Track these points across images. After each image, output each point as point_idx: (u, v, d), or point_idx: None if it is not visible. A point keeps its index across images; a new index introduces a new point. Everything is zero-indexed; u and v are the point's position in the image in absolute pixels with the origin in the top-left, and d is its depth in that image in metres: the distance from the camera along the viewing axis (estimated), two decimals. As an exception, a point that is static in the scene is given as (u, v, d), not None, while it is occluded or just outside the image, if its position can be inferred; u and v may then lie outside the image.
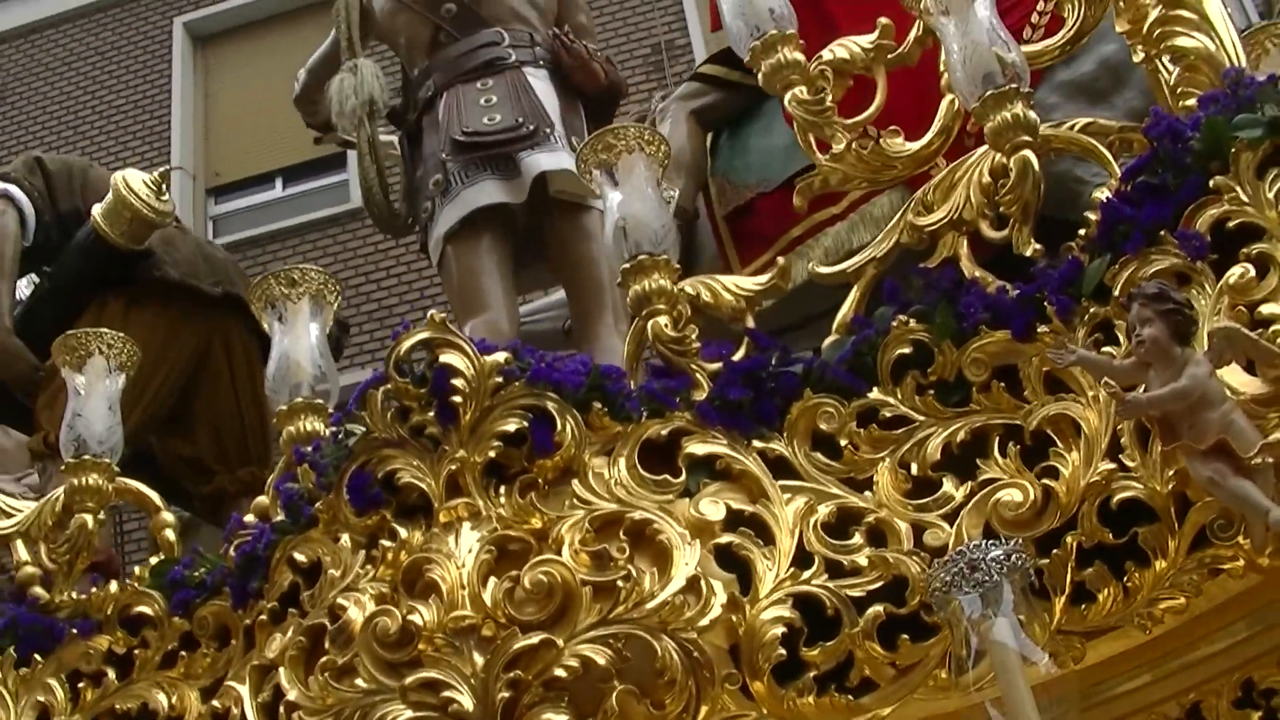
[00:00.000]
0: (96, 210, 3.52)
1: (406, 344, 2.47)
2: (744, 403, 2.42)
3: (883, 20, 2.65)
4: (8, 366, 3.51)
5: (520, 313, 3.76)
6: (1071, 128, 2.56)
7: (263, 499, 2.83)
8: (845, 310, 2.61)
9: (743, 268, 3.77)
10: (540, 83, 3.56)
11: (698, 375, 2.50)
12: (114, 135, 11.24)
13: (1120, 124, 2.66)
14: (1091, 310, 2.30)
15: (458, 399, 2.39)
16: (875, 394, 2.41)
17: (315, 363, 2.82)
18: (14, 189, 3.68)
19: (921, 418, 2.35)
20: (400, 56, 3.88)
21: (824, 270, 2.70)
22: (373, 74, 3.65)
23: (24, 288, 3.78)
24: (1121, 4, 2.65)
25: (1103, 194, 2.40)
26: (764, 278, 2.63)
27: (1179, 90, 2.57)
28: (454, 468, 2.36)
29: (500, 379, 2.42)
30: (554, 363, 2.52)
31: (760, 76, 2.67)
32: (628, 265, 2.58)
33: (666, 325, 2.54)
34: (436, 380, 2.42)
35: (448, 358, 2.43)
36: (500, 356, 2.43)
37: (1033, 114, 2.43)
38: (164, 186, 3.55)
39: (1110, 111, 3.32)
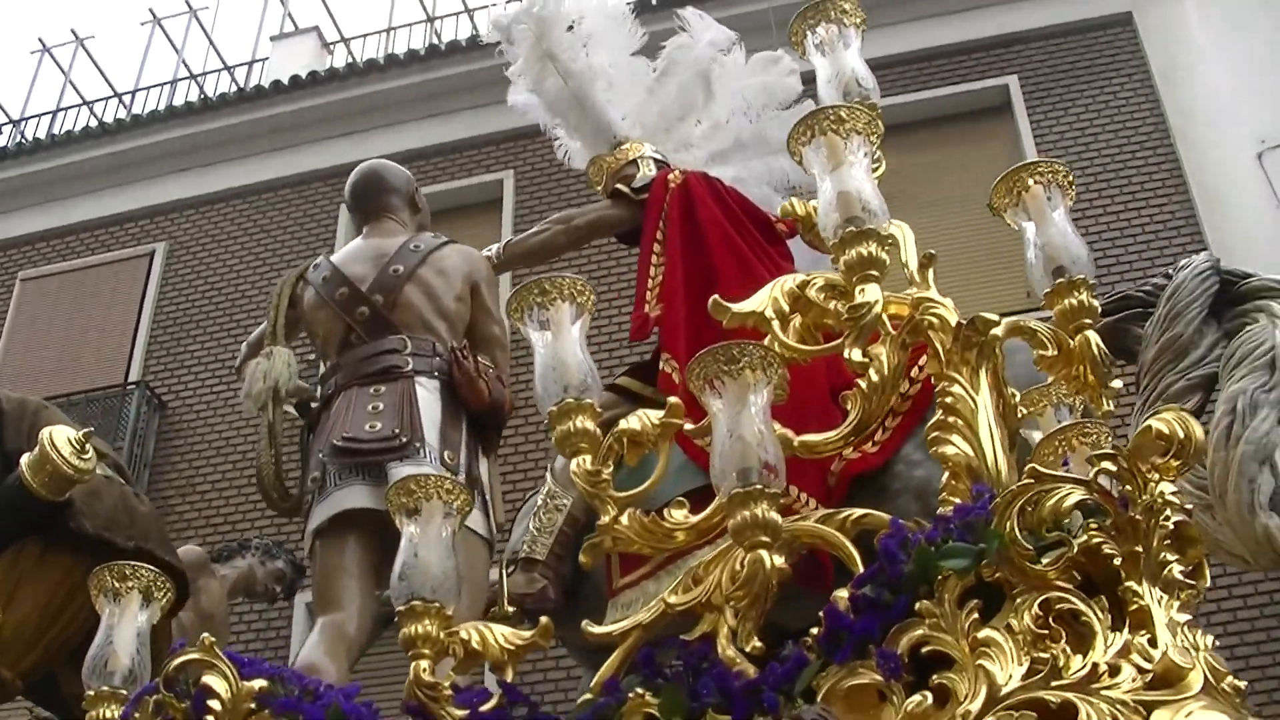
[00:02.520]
0: (24, 460, 3.79)
1: (175, 662, 2.65)
2: (481, 758, 2.56)
3: (672, 399, 2.83)
4: None
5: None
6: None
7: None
8: (603, 672, 2.74)
9: (621, 577, 3.90)
10: (428, 394, 3.74)
11: (447, 720, 2.64)
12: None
13: (859, 512, 2.77)
14: (793, 711, 2.40)
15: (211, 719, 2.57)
16: (611, 760, 2.54)
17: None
18: None
19: (647, 790, 2.46)
20: (316, 350, 4.12)
21: (593, 630, 2.84)
22: (284, 363, 3.90)
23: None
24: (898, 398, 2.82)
25: (843, 595, 2.52)
26: (529, 633, 2.77)
27: (941, 496, 2.71)
28: (202, 783, 2.53)
29: (254, 704, 2.58)
30: (320, 691, 2.69)
31: (553, 439, 2.86)
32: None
33: (425, 670, 2.69)
34: (196, 699, 2.59)
35: (208, 679, 2.61)
36: (257, 684, 2.60)
37: (775, 515, 2.56)
38: (85, 445, 3.80)
39: None
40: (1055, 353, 2.87)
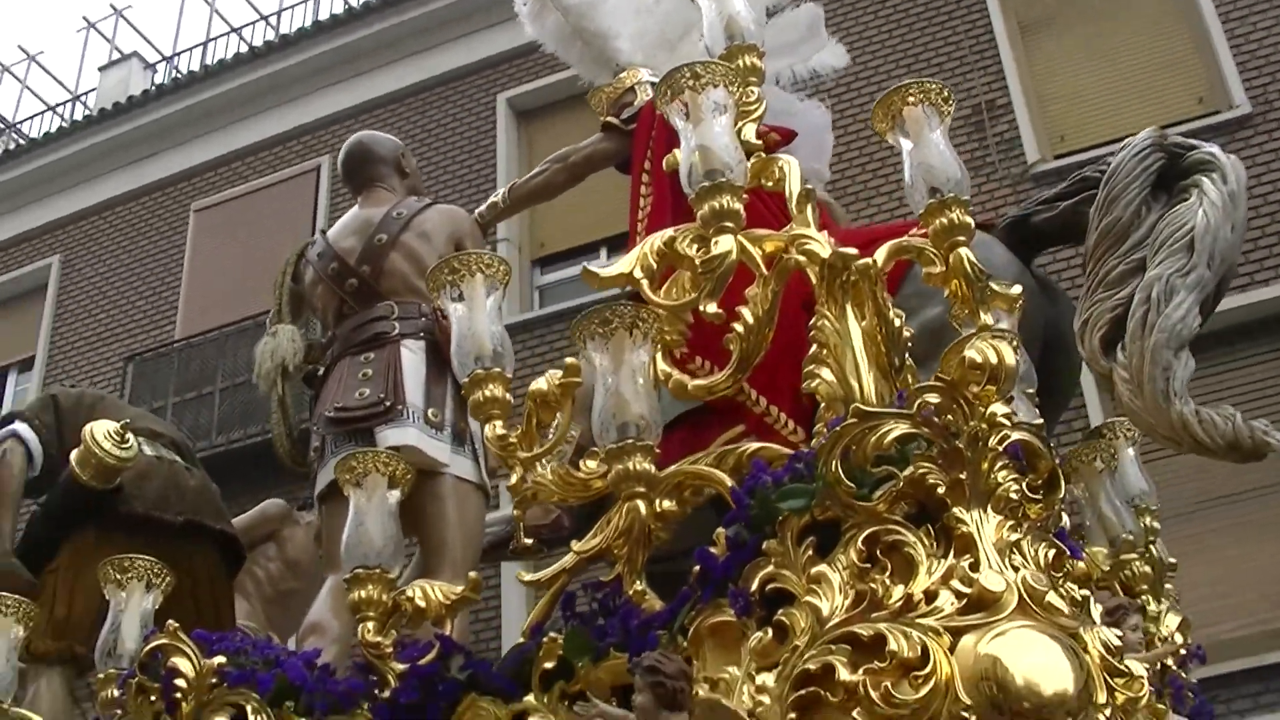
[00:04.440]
0: (72, 456, 4.20)
1: (149, 646, 3.01)
2: (414, 705, 2.85)
3: (569, 360, 3.01)
4: (5, 582, 4.19)
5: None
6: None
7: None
8: (532, 616, 2.99)
9: None
10: (412, 355, 3.95)
11: (389, 676, 2.93)
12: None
13: (754, 446, 2.91)
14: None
15: (178, 695, 2.91)
16: (529, 699, 2.79)
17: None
18: (22, 427, 4.39)
19: (564, 727, 2.69)
20: (319, 323, 4.39)
21: (526, 578, 3.08)
22: (289, 339, 4.19)
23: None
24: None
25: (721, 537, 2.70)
26: (460, 588, 3.03)
27: (816, 428, 2.85)
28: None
29: (215, 679, 2.93)
30: (279, 659, 3.02)
31: (469, 406, 3.08)
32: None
33: (369, 630, 2.97)
34: (165, 679, 2.95)
35: (175, 660, 2.96)
36: (217, 660, 2.95)
37: (649, 466, 2.75)
38: (125, 435, 4.19)
39: (926, 375, 3.55)
40: (941, 269, 2.95)
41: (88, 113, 14.71)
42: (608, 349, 2.82)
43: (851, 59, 11.30)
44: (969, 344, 2.50)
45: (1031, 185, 9.89)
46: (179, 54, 15.14)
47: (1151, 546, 3.70)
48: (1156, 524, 3.75)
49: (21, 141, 14.94)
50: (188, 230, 13.61)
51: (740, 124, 3.09)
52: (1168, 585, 3.93)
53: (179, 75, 14.47)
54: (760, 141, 3.13)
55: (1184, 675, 3.38)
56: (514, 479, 2.97)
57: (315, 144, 13.26)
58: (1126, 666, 2.51)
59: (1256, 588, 8.63)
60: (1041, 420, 2.86)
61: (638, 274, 2.91)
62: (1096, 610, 2.58)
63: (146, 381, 12.75)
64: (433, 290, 3.16)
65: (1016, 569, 2.41)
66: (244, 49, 14.30)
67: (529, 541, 3.72)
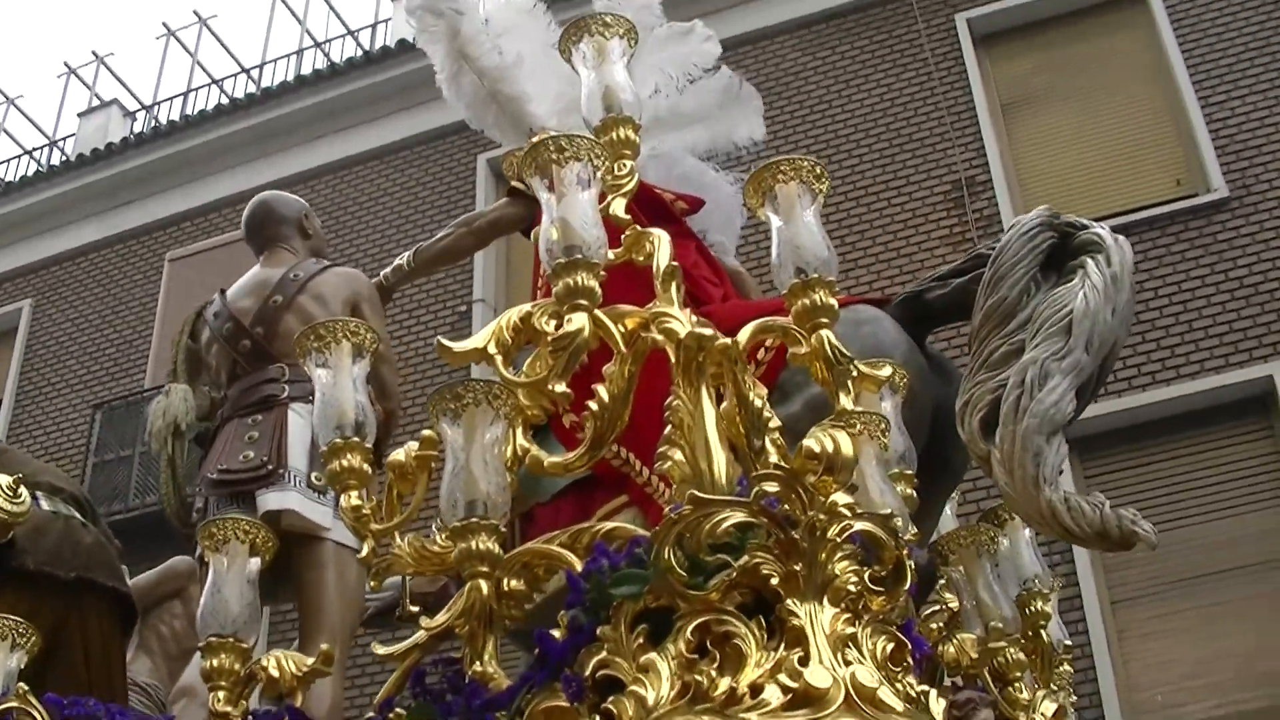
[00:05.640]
0: None
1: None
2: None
3: (426, 433, 2.96)
4: None
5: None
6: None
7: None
8: (384, 690, 2.92)
9: None
10: (300, 419, 3.93)
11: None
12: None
13: (608, 525, 2.87)
14: (505, 731, 2.56)
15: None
16: (373, 776, 2.74)
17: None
18: None
19: (397, 803, 2.65)
20: (212, 383, 4.37)
21: (381, 650, 3.02)
22: (181, 398, 4.18)
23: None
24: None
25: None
26: (310, 661, 2.98)
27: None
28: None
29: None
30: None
31: (326, 477, 3.04)
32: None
33: (220, 700, 2.93)
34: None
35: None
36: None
37: (492, 546, 2.70)
38: (18, 489, 4.14)
39: None
40: (806, 349, 2.91)
41: (65, 158, 14.77)
42: (459, 425, 2.78)
43: (834, 133, 11.52)
44: (810, 433, 2.47)
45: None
46: (159, 103, 15.23)
47: (1042, 631, 3.65)
48: (1049, 608, 3.71)
49: (-2, 185, 14.97)
50: (161, 279, 13.63)
51: (609, 199, 3.06)
52: (1062, 668, 3.88)
53: (158, 124, 14.55)
54: (628, 217, 3.10)
55: (1057, 767, 3.33)
56: (365, 550, 2.93)
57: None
58: (962, 766, 2.45)
59: (1231, 668, 8.60)
60: (896, 508, 2.80)
61: (491, 349, 2.87)
62: (938, 705, 2.52)
63: (114, 430, 12.74)
64: (299, 355, 3.13)
65: (849, 663, 2.37)
66: (225, 100, 14.36)
67: (415, 609, 3.68)
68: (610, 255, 2.98)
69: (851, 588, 2.44)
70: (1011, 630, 3.30)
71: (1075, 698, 4.15)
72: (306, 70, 14.35)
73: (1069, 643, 3.83)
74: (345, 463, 2.98)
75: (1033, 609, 3.61)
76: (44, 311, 13.97)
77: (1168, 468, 9.45)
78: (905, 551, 2.57)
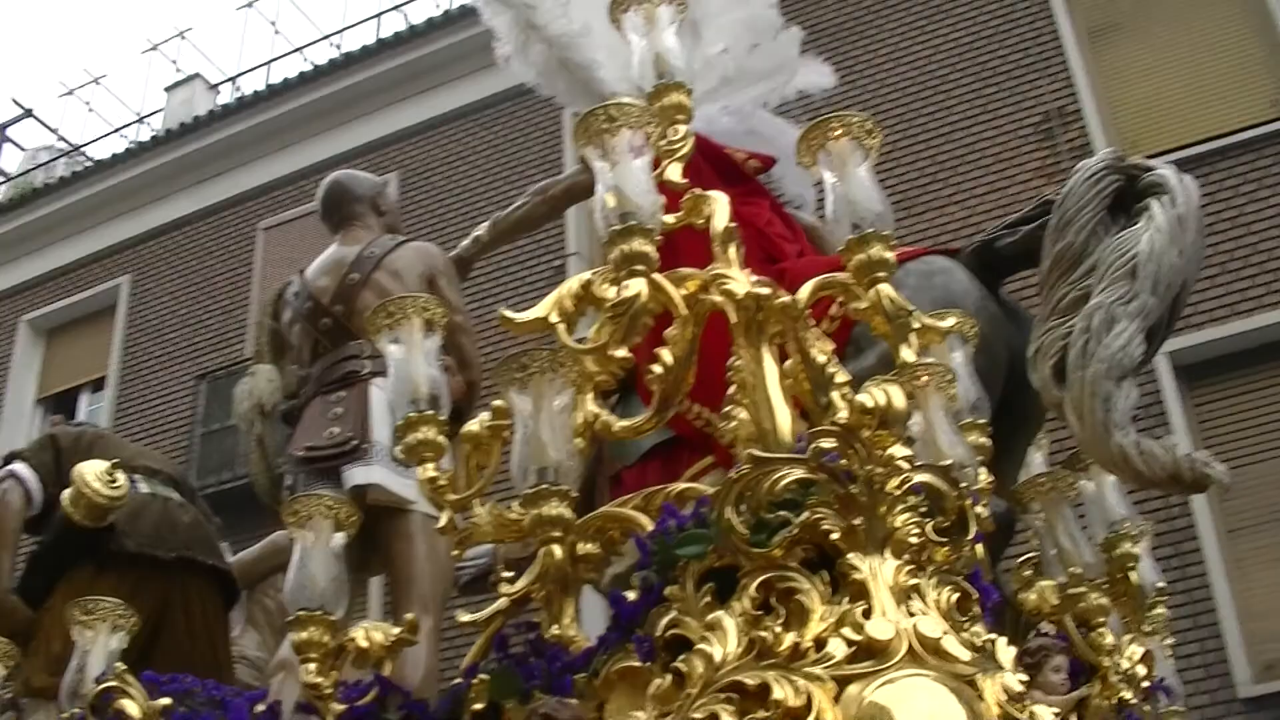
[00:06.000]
0: (64, 496, 4.30)
1: (98, 688, 3.08)
2: (347, 745, 2.90)
3: (496, 403, 3.02)
4: (4, 620, 4.31)
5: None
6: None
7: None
8: (470, 656, 3.00)
9: None
10: (382, 394, 3.95)
11: (329, 717, 2.97)
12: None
13: (680, 486, 2.91)
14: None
15: (128, 737, 3.00)
16: (465, 738, 2.83)
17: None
18: (21, 467, 4.51)
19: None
20: (296, 361, 4.45)
21: (464, 618, 3.09)
22: (266, 379, 4.27)
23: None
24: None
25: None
26: (396, 630, 3.07)
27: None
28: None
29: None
30: (226, 700, 3.08)
31: (402, 450, 3.11)
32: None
33: (312, 672, 3.02)
34: (117, 721, 3.04)
35: (121, 703, 3.03)
36: (163, 702, 3.02)
37: (565, 510, 2.76)
38: (114, 475, 4.28)
39: None
40: (866, 304, 2.93)
41: (154, 134, 15.01)
42: (527, 394, 2.84)
43: (920, 69, 11.38)
44: (863, 388, 2.49)
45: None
46: (242, 74, 15.43)
47: (1131, 574, 3.63)
48: (1137, 550, 3.69)
49: (89, 163, 15.26)
50: (256, 248, 13.83)
51: (664, 164, 3.09)
52: (1156, 610, 3.87)
53: (243, 95, 14.73)
54: (685, 181, 3.12)
55: (1145, 710, 3.32)
56: (443, 520, 3.00)
57: (382, 160, 13.35)
58: (1030, 712, 2.47)
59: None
60: (965, 458, 2.81)
61: (554, 318, 2.92)
62: (1008, 653, 2.54)
63: (220, 400, 12.96)
64: (371, 333, 3.20)
65: (912, 614, 2.39)
66: (308, 67, 14.49)
67: (508, 574, 3.74)
68: (670, 220, 3.02)
69: (913, 540, 2.47)
70: (1093, 575, 3.29)
71: (1171, 639, 4.13)
72: (386, 33, 14.43)
73: (1161, 584, 3.80)
74: (420, 436, 3.05)
75: (1120, 551, 3.59)
76: (143, 286, 14.25)
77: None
78: (968, 501, 2.59)
